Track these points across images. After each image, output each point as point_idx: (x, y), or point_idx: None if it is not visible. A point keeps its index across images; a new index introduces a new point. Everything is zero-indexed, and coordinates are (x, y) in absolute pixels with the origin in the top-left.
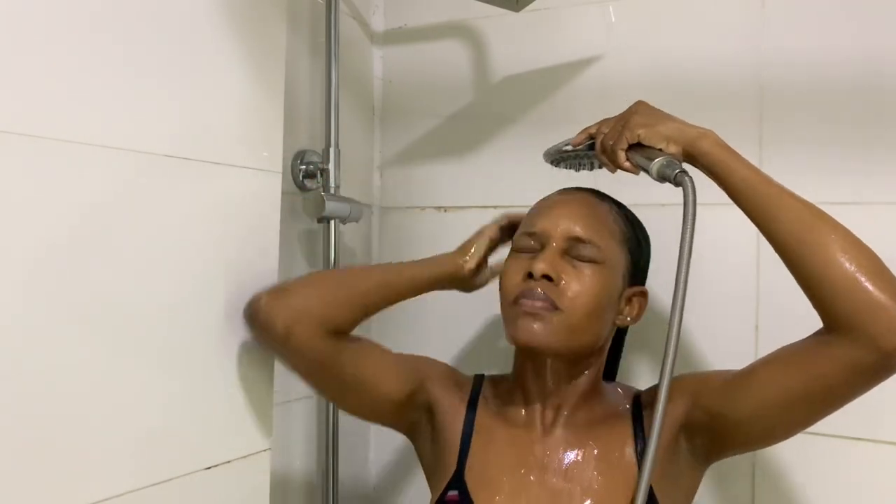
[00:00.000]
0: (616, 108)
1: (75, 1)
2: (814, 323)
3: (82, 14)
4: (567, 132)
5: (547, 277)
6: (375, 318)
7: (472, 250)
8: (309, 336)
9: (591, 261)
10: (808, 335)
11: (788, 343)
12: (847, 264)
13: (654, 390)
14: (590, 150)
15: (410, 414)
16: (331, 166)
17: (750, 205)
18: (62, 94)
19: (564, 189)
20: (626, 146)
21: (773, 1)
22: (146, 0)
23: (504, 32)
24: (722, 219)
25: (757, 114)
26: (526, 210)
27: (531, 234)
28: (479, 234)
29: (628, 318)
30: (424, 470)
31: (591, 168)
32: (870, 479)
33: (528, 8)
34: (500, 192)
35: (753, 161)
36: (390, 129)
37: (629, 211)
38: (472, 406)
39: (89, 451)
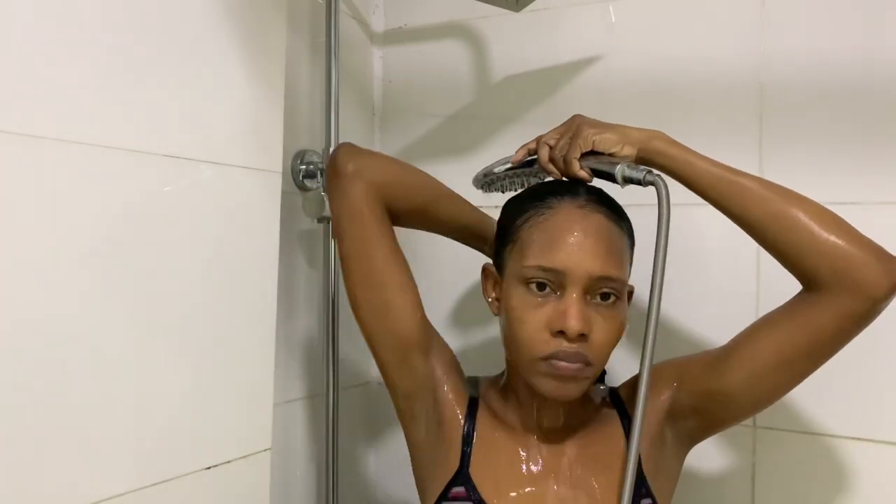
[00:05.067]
0: (616, 108)
1: (75, 2)
2: None
3: (82, 15)
4: None
5: (580, 335)
6: None
7: None
8: (370, 190)
9: (610, 297)
10: (787, 301)
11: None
12: (828, 233)
13: (630, 384)
14: (526, 166)
15: (410, 378)
16: None
17: (716, 194)
18: (62, 94)
19: (579, 205)
20: (579, 155)
21: (773, 1)
22: (146, 1)
23: (504, 32)
24: (721, 218)
25: (757, 114)
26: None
27: (546, 270)
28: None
29: None
30: (414, 458)
31: (523, 185)
32: (870, 479)
33: (528, 8)
34: None
35: (754, 160)
36: (390, 129)
37: (628, 220)
38: (472, 406)
39: (90, 452)
